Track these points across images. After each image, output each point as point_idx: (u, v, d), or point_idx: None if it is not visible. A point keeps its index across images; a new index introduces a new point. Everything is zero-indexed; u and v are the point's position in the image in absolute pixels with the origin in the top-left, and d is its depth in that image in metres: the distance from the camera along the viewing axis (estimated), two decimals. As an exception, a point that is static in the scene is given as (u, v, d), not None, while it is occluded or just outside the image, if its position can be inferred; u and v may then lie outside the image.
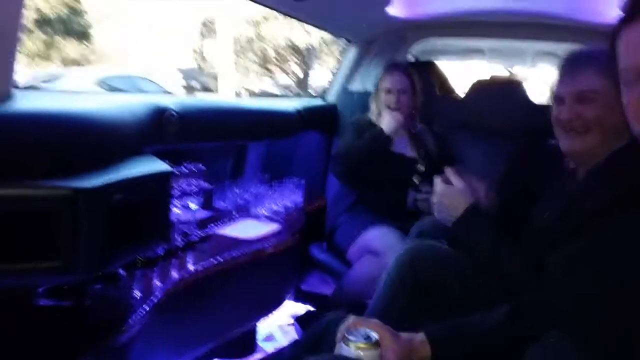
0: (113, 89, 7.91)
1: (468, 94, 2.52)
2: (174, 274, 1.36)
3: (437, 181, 1.38)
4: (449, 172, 1.36)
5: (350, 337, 0.93)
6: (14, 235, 0.85)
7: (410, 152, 2.20)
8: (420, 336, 1.06)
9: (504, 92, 2.45)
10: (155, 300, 1.22)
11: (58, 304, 1.11)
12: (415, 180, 2.04)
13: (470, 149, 2.30)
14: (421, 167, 2.05)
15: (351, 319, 1.01)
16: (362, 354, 0.92)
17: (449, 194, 1.34)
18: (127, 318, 1.11)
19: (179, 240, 1.51)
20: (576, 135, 1.19)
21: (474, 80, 2.52)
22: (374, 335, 0.95)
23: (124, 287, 1.24)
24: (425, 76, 2.42)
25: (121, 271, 1.28)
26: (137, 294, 1.22)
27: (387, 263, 1.45)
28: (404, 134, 2.21)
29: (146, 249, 1.27)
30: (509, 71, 3.32)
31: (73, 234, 0.87)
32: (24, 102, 0.96)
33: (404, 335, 1.04)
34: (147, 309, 1.17)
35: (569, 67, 1.24)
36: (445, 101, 2.62)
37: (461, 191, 1.33)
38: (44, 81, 8.30)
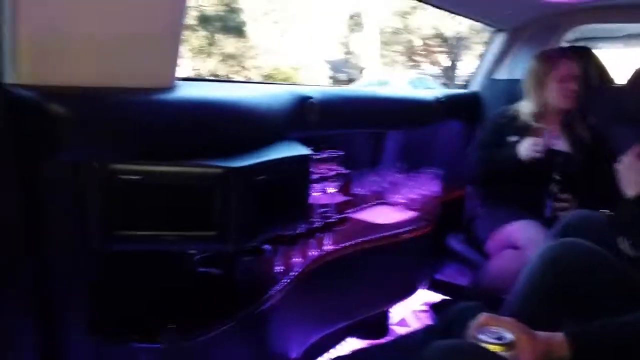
0: (415, 86, 10.15)
1: (630, 83, 2.25)
2: (313, 253, 1.44)
3: (632, 153, 1.21)
4: None
5: (481, 337, 0.89)
6: (178, 207, 0.97)
7: (561, 145, 2.04)
8: (559, 336, 0.99)
9: None
10: (295, 276, 1.31)
11: (212, 271, 1.26)
12: (554, 188, 1.90)
13: (630, 143, 2.06)
14: (557, 176, 1.90)
15: (482, 316, 0.97)
16: None
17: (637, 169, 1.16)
18: (269, 289, 1.21)
19: (318, 222, 1.59)
20: None
21: (637, 67, 2.24)
22: (508, 336, 0.90)
23: (268, 261, 1.35)
24: (581, 64, 2.22)
25: (267, 246, 1.40)
26: (279, 268, 1.32)
27: (528, 258, 1.38)
28: (556, 125, 2.06)
29: (287, 227, 1.36)
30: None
31: (224, 208, 0.98)
32: (186, 91, 1.08)
33: (542, 334, 0.98)
34: (288, 282, 1.27)
35: None
36: (603, 91, 2.37)
37: None
38: (379, 84, 11.02)
